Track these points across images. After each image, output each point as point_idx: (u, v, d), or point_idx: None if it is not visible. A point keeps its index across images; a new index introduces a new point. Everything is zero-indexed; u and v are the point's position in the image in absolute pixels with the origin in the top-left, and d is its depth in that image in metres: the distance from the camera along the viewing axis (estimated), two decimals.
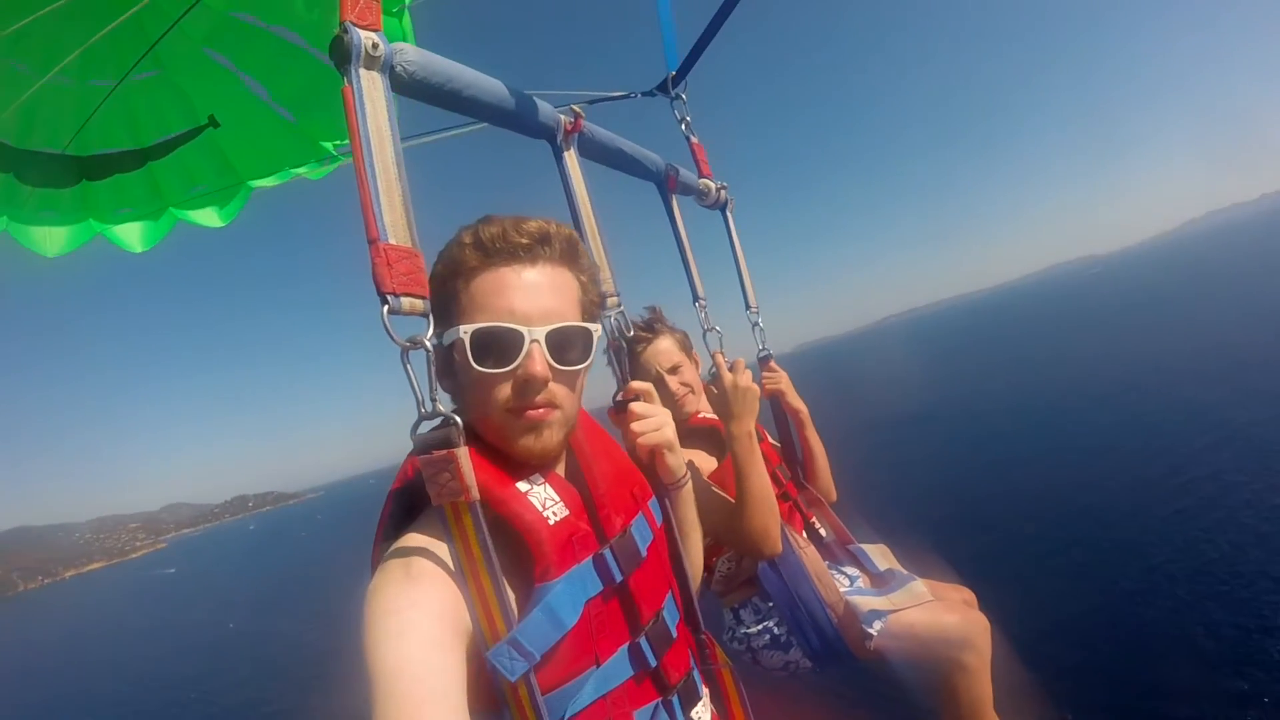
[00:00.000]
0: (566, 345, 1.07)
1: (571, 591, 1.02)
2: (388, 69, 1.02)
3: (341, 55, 0.95)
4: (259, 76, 2.68)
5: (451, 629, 0.87)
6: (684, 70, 2.43)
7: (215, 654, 14.00)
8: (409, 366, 0.89)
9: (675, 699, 1.18)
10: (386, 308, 0.87)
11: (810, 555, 2.30)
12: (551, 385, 1.04)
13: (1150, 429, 9.63)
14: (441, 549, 0.93)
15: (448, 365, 1.07)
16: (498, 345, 1.02)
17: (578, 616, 1.02)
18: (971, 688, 2.17)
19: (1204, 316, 19.85)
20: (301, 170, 2.92)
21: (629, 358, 2.50)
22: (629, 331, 1.50)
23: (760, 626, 2.34)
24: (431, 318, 0.92)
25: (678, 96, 2.44)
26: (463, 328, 1.02)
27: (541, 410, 1.05)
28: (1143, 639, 4.69)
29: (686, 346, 2.53)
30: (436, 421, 0.92)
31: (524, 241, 1.05)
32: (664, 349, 2.45)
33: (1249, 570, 5.08)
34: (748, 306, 2.56)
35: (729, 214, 2.61)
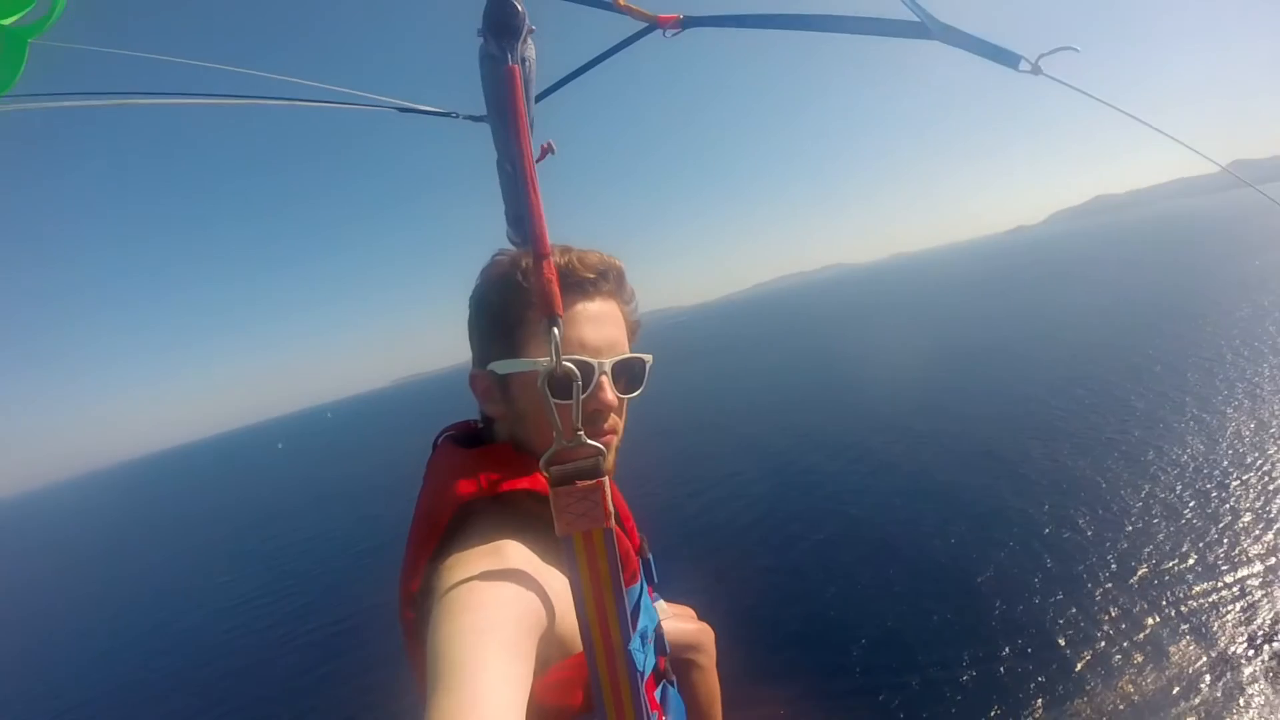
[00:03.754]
0: (627, 374, 1.10)
1: (643, 591, 1.16)
2: (521, 58, 0.93)
3: (510, 30, 0.84)
4: None
5: (529, 639, 0.85)
6: None
7: None
8: (547, 390, 0.85)
9: (674, 680, 1.39)
10: (557, 330, 0.85)
11: None
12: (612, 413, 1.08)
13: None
14: (527, 556, 0.94)
15: (504, 390, 1.07)
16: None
17: (657, 613, 1.17)
18: (705, 682, 2.84)
19: (754, 363, 26.64)
20: None
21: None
22: None
23: None
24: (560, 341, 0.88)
25: None
26: (541, 359, 1.00)
27: (607, 437, 1.07)
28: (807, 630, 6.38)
29: None
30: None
31: (590, 276, 1.07)
32: None
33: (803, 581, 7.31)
34: None
35: None
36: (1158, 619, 5.80)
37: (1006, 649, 5.73)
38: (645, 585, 1.20)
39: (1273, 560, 6.33)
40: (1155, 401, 11.76)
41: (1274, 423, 9.59)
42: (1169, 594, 6.12)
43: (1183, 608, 5.89)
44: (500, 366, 1.04)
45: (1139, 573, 6.59)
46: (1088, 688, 5.30)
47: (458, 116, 2.07)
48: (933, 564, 7.34)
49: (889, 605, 6.67)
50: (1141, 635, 5.66)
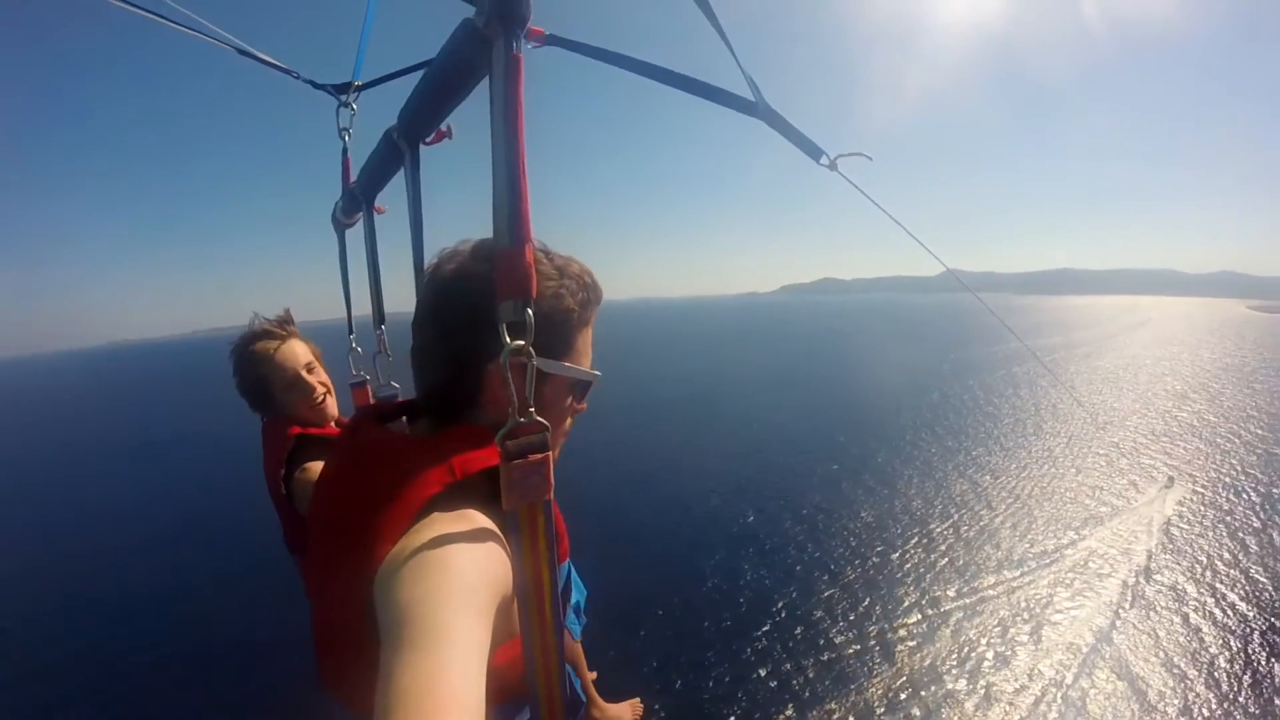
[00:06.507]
0: None
1: (572, 568, 1.28)
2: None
3: (519, 18, 0.83)
4: None
5: (494, 601, 0.88)
6: (367, 85, 2.18)
7: None
8: (509, 373, 0.87)
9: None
10: (531, 312, 0.88)
11: None
12: None
13: None
14: (489, 523, 0.97)
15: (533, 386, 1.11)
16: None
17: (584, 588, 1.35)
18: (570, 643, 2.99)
19: None
20: None
21: (258, 359, 2.43)
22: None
23: None
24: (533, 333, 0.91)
25: (347, 104, 2.16)
26: (590, 370, 1.19)
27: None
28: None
29: (317, 352, 2.59)
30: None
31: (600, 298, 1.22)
32: (300, 349, 2.52)
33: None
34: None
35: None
36: (809, 676, 6.37)
37: (657, 704, 5.86)
38: (571, 564, 1.30)
39: (918, 617, 7.32)
40: (839, 471, 13.47)
41: (939, 500, 11.50)
42: (821, 652, 6.77)
43: (834, 670, 6.53)
44: (548, 366, 1.08)
45: (796, 631, 7.25)
46: None
47: (298, 77, 2.08)
48: (601, 607, 7.49)
49: None
50: (791, 690, 6.13)
